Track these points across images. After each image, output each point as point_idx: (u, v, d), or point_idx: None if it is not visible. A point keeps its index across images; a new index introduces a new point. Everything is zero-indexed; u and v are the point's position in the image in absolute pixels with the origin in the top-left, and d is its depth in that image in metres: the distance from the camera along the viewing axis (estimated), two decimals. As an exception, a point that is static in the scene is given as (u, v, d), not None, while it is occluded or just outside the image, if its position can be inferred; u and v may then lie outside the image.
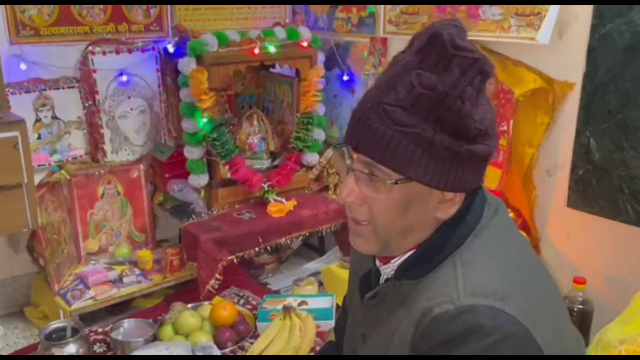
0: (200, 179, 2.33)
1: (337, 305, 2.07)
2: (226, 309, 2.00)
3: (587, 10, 1.74)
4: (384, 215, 0.92)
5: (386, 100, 0.86)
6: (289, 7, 2.85)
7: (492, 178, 2.05)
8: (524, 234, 1.99)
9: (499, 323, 0.82)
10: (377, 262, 1.03)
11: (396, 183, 0.88)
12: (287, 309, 1.96)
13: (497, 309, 0.83)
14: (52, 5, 2.21)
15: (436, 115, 0.84)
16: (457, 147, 0.85)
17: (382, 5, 2.38)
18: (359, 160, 0.91)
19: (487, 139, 0.88)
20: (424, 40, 0.86)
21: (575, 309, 1.74)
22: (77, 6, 2.26)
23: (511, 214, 2.01)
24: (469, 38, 0.89)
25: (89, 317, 2.18)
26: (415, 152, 0.85)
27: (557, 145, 1.91)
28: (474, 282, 0.87)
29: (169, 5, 2.48)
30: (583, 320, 1.75)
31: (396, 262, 0.98)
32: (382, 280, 1.03)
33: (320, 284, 2.37)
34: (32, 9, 2.17)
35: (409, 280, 0.94)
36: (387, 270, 1.00)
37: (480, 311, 0.83)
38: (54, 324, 1.94)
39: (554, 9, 1.79)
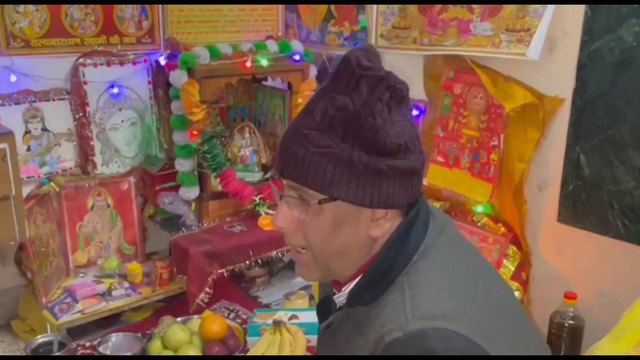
0: (191, 192, 2.32)
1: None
2: (216, 323, 1.98)
3: (576, 26, 1.76)
4: (317, 237, 0.93)
5: (304, 125, 0.90)
6: (281, 20, 2.86)
7: (483, 192, 2.06)
8: (515, 249, 1.99)
9: (450, 344, 0.82)
10: (333, 290, 1.04)
11: (320, 203, 0.90)
12: (277, 323, 1.94)
13: (446, 329, 0.82)
14: (43, 17, 2.20)
15: (352, 134, 0.87)
16: (376, 163, 0.87)
17: (374, 20, 2.39)
18: (287, 185, 0.94)
19: (408, 153, 0.90)
20: (336, 67, 0.91)
21: (566, 325, 1.74)
22: (68, 18, 2.26)
23: (502, 229, 2.02)
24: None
25: (77, 331, 2.15)
26: (336, 171, 0.88)
27: (547, 160, 1.92)
28: (422, 305, 0.86)
29: (160, 18, 2.48)
30: (574, 336, 1.75)
31: (347, 290, 0.98)
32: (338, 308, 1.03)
33: (312, 297, 2.36)
34: (23, 21, 2.16)
35: (362, 306, 0.94)
36: (340, 298, 1.01)
37: (430, 334, 0.82)
38: (41, 338, 1.91)
39: (543, 25, 1.80)
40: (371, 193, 0.88)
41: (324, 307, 1.06)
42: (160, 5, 2.46)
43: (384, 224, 0.93)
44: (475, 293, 0.92)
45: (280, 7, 2.84)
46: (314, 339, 1.97)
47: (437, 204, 2.18)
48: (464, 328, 0.83)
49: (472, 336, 0.82)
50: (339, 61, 0.91)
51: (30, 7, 2.17)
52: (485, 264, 1.04)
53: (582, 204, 1.81)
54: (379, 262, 0.93)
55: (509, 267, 1.97)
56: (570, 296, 1.75)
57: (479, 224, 2.07)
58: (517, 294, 1.93)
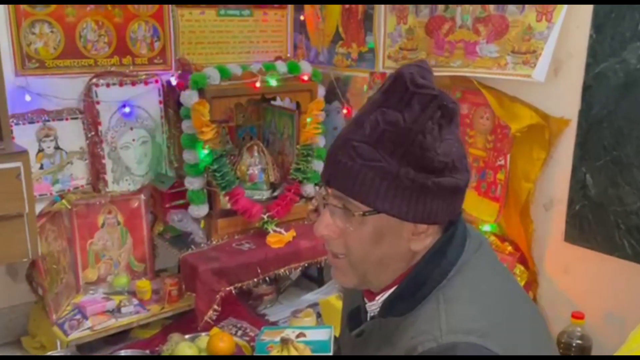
0: (200, 210, 2.35)
1: (335, 337, 2.06)
2: (223, 340, 1.99)
3: (581, 49, 1.78)
4: (357, 246, 0.94)
5: (354, 137, 0.91)
6: (290, 41, 2.91)
7: (489, 212, 2.07)
8: (522, 268, 2.00)
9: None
10: (365, 299, 1.05)
11: (364, 215, 0.91)
12: (285, 341, 1.95)
13: (478, 345, 0.84)
14: (58, 39, 2.26)
15: (401, 150, 0.88)
16: (423, 179, 0.88)
17: (382, 41, 2.43)
18: (332, 194, 0.95)
19: (455, 172, 0.91)
20: (389, 80, 0.92)
21: (574, 344, 1.74)
22: (82, 39, 2.31)
23: (509, 248, 2.02)
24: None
25: (86, 347, 2.17)
26: (382, 185, 0.88)
27: (553, 180, 1.93)
28: (456, 319, 0.88)
29: (172, 39, 2.53)
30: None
31: (380, 299, 0.99)
32: (369, 317, 1.04)
33: (319, 315, 2.36)
34: (38, 42, 2.22)
35: (394, 317, 0.95)
36: (373, 307, 1.02)
37: (462, 348, 0.84)
38: (51, 355, 1.93)
39: (549, 47, 1.83)
40: (415, 208, 0.89)
41: (355, 316, 1.07)
42: (171, 27, 2.52)
43: (425, 239, 0.94)
44: (507, 312, 0.93)
45: (289, 28, 2.90)
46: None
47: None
48: (496, 345, 0.84)
49: (502, 353, 0.84)
50: (391, 76, 0.92)
51: (46, 29, 2.23)
52: (516, 285, 1.06)
53: (588, 224, 1.82)
54: (415, 274, 0.94)
55: (516, 286, 1.98)
56: (577, 316, 1.75)
57: (485, 243, 2.08)
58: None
